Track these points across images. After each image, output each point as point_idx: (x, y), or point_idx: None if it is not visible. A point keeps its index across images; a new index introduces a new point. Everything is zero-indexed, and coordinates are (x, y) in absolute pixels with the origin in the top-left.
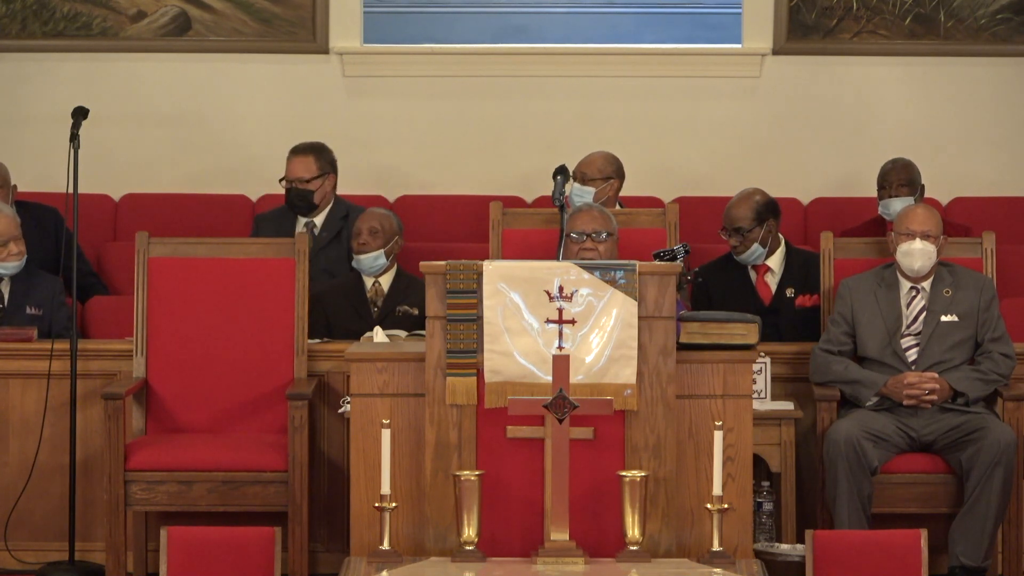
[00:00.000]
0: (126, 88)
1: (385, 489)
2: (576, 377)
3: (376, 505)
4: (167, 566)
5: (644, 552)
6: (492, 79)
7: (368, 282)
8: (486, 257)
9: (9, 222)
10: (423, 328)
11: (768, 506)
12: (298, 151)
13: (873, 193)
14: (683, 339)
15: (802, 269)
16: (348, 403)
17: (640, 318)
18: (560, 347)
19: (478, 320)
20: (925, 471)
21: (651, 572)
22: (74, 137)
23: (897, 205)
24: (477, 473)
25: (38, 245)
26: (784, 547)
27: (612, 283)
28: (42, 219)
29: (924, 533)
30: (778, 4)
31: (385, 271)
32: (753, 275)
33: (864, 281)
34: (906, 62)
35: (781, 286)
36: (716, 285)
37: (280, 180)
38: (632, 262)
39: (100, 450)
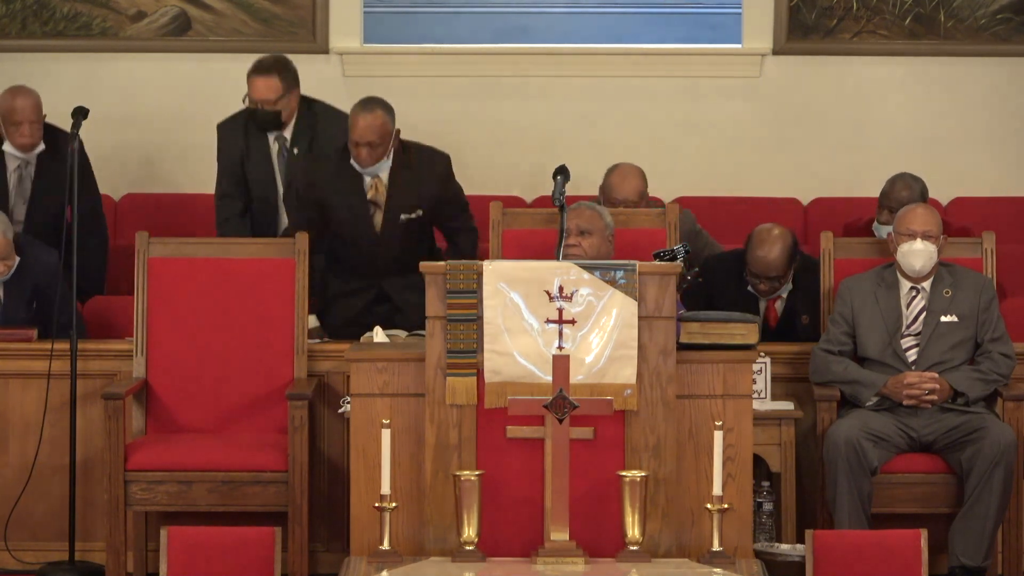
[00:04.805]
0: (126, 88)
1: (385, 489)
2: (576, 377)
3: (376, 505)
4: (167, 566)
5: (644, 552)
6: (492, 79)
7: (367, 180)
8: (486, 257)
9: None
10: (423, 327)
11: (768, 506)
12: (261, 70)
13: (873, 193)
14: (683, 339)
15: (811, 289)
16: (348, 403)
17: (640, 318)
18: (560, 347)
19: (478, 320)
20: (925, 471)
21: (651, 572)
22: (74, 137)
23: (884, 233)
24: (477, 473)
25: (55, 176)
26: (784, 547)
27: (612, 283)
28: (59, 151)
29: (924, 533)
30: (778, 4)
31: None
32: (763, 304)
33: (864, 281)
34: (906, 62)
35: (789, 309)
36: (723, 302)
37: (243, 99)
38: (632, 262)
39: (100, 450)
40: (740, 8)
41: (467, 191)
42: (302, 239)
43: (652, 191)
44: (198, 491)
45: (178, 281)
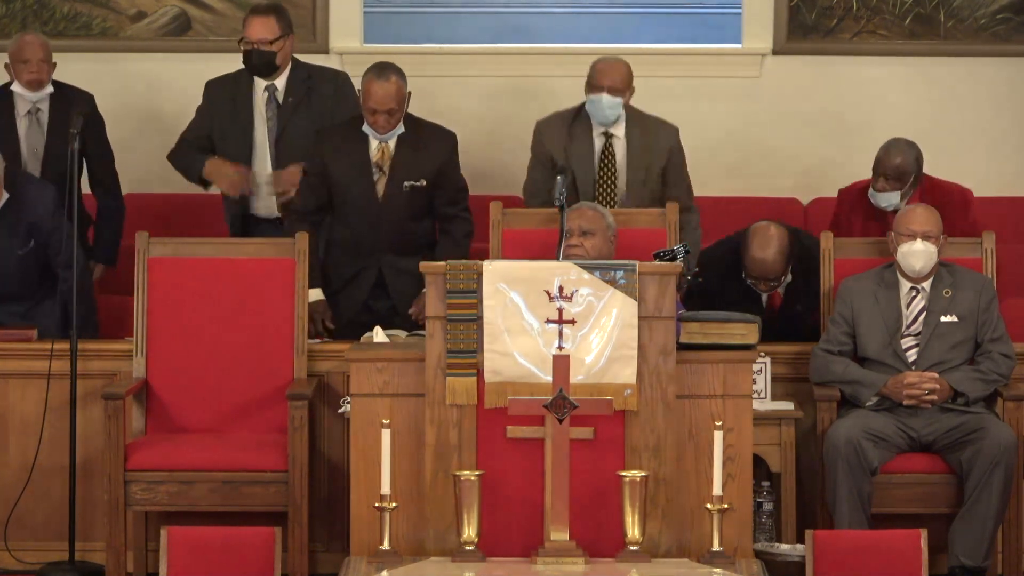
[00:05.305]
0: (126, 88)
1: (385, 489)
2: (576, 377)
3: (376, 505)
4: (167, 566)
5: (644, 552)
6: (492, 79)
7: (374, 144)
8: (486, 257)
9: None
10: (422, 327)
11: (768, 506)
12: (259, 11)
13: None
14: (683, 339)
15: (810, 276)
16: (348, 403)
17: (640, 318)
18: (560, 347)
19: (478, 320)
20: (925, 471)
21: (651, 572)
22: (74, 137)
23: (882, 200)
24: (477, 473)
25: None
26: (784, 547)
27: (612, 283)
28: (72, 104)
29: (924, 533)
30: (778, 4)
31: None
32: (764, 295)
33: (864, 281)
34: (906, 62)
35: (789, 296)
36: (722, 293)
37: (239, 41)
38: (632, 262)
39: (100, 450)
40: (740, 8)
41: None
42: (302, 239)
43: None
44: (198, 491)
45: (178, 281)
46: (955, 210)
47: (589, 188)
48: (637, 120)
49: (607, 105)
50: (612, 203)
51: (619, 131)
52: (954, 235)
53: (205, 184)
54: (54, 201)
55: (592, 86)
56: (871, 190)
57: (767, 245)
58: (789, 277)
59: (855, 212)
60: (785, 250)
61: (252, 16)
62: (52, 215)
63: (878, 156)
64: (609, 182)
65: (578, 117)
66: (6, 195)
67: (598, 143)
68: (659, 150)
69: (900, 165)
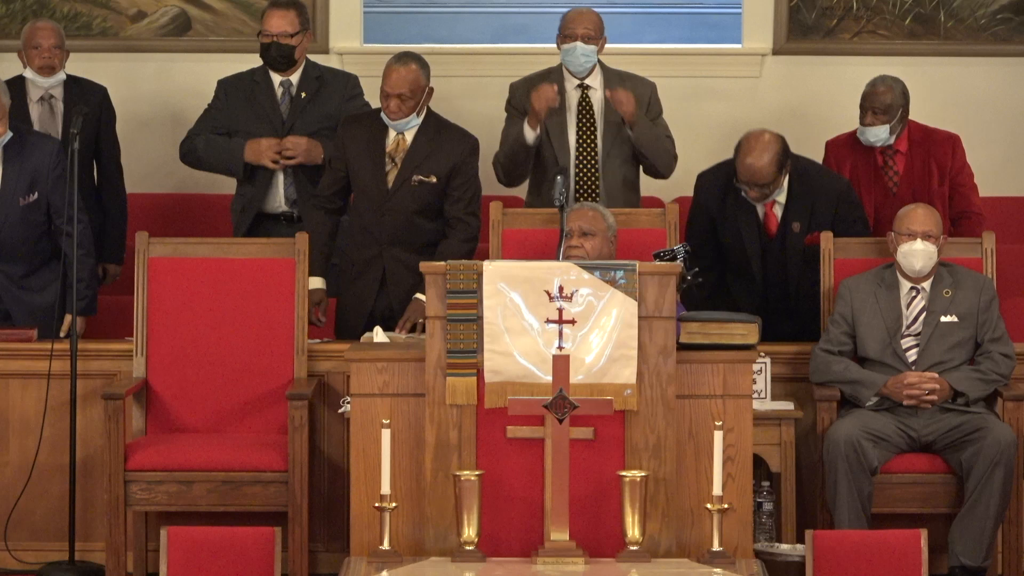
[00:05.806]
0: (126, 88)
1: (385, 489)
2: (576, 377)
3: (376, 505)
4: (167, 566)
5: (644, 552)
6: (492, 79)
7: (391, 135)
8: (486, 257)
9: None
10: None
11: (768, 506)
12: (279, 5)
13: None
14: (683, 339)
15: (806, 197)
16: (348, 403)
17: (640, 318)
18: (560, 347)
19: (478, 320)
20: (925, 471)
21: (651, 572)
22: (74, 137)
23: (870, 135)
24: (477, 473)
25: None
26: (784, 547)
27: (612, 283)
28: (86, 95)
29: (924, 533)
30: (778, 4)
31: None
32: (760, 209)
33: (864, 281)
34: (906, 62)
35: (786, 217)
36: (721, 216)
37: (258, 35)
38: (632, 262)
39: (100, 450)
40: (740, 8)
41: None
42: (302, 239)
43: (651, 192)
44: (198, 491)
45: (178, 281)
46: (945, 154)
47: (565, 143)
48: (613, 75)
49: (581, 52)
50: (593, 154)
51: (595, 82)
52: (945, 179)
53: (245, 168)
54: (57, 152)
55: (565, 36)
56: (859, 128)
57: (760, 150)
58: (784, 190)
59: (844, 157)
60: (777, 156)
61: (272, 9)
62: (54, 166)
63: (865, 92)
64: (589, 133)
65: (550, 76)
66: (9, 133)
67: (574, 96)
68: (639, 99)
69: (886, 99)
